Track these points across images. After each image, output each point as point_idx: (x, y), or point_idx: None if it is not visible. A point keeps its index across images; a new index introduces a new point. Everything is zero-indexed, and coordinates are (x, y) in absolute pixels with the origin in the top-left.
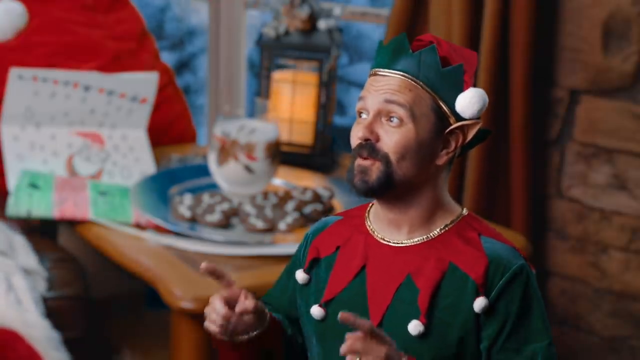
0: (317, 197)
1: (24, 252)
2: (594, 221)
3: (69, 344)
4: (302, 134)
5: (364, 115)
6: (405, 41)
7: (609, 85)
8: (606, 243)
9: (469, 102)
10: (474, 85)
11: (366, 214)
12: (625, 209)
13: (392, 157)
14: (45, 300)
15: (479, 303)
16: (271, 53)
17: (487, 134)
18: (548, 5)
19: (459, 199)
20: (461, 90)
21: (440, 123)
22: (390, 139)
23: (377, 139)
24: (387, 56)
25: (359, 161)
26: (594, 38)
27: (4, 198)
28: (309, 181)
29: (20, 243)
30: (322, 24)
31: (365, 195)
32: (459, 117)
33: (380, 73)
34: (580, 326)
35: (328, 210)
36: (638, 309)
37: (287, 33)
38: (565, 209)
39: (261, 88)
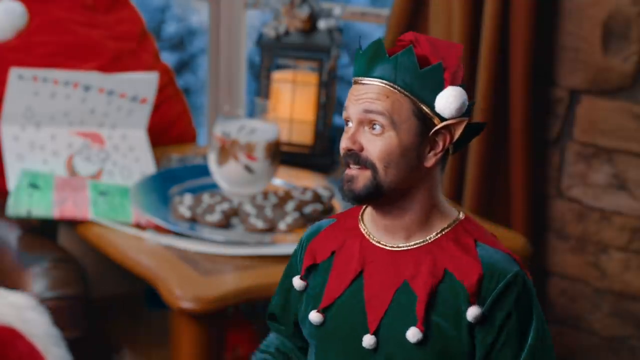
0: (317, 197)
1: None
2: (594, 221)
3: (69, 343)
4: (302, 134)
5: (350, 124)
6: (382, 46)
7: (609, 85)
8: (606, 243)
9: (445, 101)
10: (463, 81)
11: (360, 217)
12: (625, 209)
13: (379, 165)
14: (45, 300)
15: (472, 312)
16: (271, 53)
17: (482, 127)
18: (548, 4)
19: (458, 199)
20: (442, 89)
21: (423, 126)
22: (374, 148)
23: (361, 149)
24: (364, 63)
25: (347, 170)
26: (594, 38)
27: (4, 198)
28: (309, 181)
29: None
30: (322, 24)
31: (354, 203)
32: (443, 117)
33: (359, 81)
34: (580, 326)
35: (328, 210)
36: (638, 309)
37: (287, 33)
38: (565, 209)
39: (261, 88)
